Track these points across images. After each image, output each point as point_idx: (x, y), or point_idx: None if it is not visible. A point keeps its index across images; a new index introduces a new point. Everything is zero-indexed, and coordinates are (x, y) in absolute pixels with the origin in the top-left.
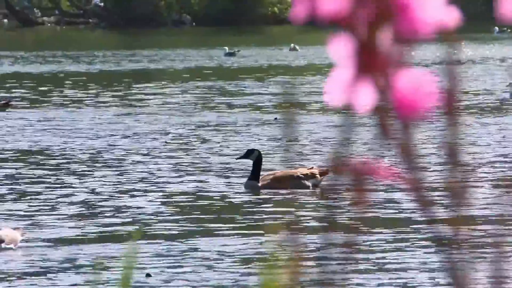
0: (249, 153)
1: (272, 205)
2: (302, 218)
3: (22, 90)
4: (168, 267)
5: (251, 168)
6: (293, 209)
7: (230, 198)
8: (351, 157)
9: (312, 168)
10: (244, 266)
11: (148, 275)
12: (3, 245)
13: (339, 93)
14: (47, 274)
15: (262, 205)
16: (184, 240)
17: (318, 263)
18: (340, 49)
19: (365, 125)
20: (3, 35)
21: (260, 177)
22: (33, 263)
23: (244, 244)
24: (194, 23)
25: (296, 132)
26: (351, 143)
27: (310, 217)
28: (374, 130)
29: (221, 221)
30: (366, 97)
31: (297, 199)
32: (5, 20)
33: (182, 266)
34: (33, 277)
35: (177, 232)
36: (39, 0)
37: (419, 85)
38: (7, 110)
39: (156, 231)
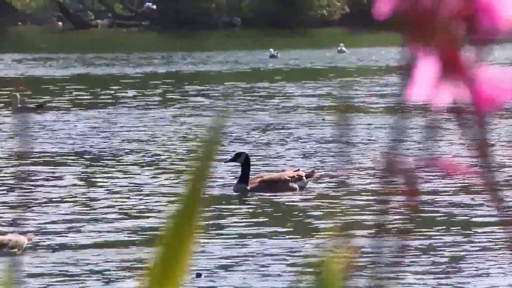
0: (237, 156)
1: (324, 204)
2: (354, 222)
3: (75, 92)
4: (219, 268)
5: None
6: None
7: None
8: (404, 157)
9: (298, 170)
10: (294, 269)
11: (198, 275)
12: (5, 249)
13: (421, 90)
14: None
15: (313, 207)
16: (236, 239)
17: (369, 267)
18: (420, 47)
19: (417, 127)
20: (57, 38)
21: (249, 179)
22: (41, 267)
23: (296, 245)
24: (244, 26)
25: (347, 133)
26: (403, 143)
27: (363, 221)
28: (454, 128)
29: (274, 223)
30: (446, 94)
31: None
32: (60, 23)
33: (232, 266)
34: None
35: (225, 233)
36: (92, 3)
37: (500, 81)
38: (40, 112)
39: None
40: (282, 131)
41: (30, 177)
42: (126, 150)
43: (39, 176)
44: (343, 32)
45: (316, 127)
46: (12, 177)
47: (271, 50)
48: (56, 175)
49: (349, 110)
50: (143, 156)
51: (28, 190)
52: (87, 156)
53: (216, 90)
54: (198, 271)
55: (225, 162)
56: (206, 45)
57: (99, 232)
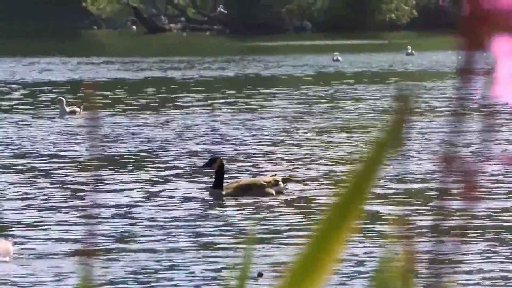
0: (211, 162)
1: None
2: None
3: (147, 95)
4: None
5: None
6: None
7: None
8: (465, 157)
9: (275, 175)
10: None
11: (260, 274)
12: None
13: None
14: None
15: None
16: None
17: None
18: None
19: (480, 129)
20: (131, 42)
21: (224, 185)
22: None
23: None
24: (314, 29)
25: (409, 135)
26: (466, 145)
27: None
28: None
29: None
30: None
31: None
32: (134, 27)
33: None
34: None
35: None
36: (166, 8)
37: None
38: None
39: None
40: (344, 134)
41: (102, 182)
42: (197, 152)
43: (109, 180)
44: (411, 35)
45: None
46: (81, 183)
47: (336, 54)
48: (127, 179)
49: (413, 113)
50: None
51: (98, 196)
52: (161, 159)
53: (287, 94)
54: (259, 271)
55: (199, 167)
56: (277, 48)
57: (170, 236)
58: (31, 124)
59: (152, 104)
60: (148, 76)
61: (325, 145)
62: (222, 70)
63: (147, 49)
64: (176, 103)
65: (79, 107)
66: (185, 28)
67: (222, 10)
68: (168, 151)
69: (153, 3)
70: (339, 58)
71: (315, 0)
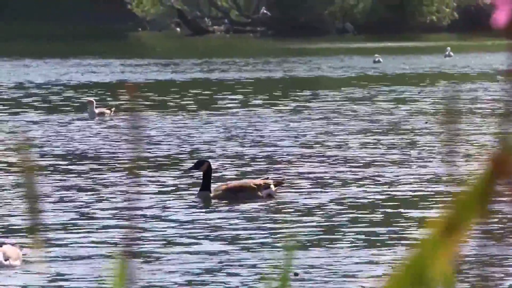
0: (199, 164)
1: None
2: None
3: (190, 96)
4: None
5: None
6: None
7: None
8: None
9: (267, 178)
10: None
11: (295, 274)
12: (8, 262)
13: None
14: None
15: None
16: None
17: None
18: None
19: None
20: (175, 43)
21: (213, 187)
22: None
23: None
24: (356, 31)
25: (457, 136)
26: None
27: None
28: None
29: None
30: None
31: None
32: (178, 29)
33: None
34: None
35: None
36: (209, 10)
37: None
38: (116, 116)
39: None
40: (380, 136)
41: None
42: (242, 153)
43: (150, 181)
44: (452, 37)
45: (419, 132)
46: (120, 184)
47: (376, 55)
48: (169, 181)
49: (457, 114)
50: (256, 159)
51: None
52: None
53: (328, 95)
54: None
55: (187, 170)
56: (318, 50)
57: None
58: (64, 125)
59: (195, 105)
60: (192, 78)
61: (365, 147)
62: (265, 72)
63: (190, 51)
64: (219, 105)
65: (109, 109)
66: (229, 30)
67: (265, 12)
68: (213, 152)
69: (197, 5)
70: (380, 59)
71: (357, 2)
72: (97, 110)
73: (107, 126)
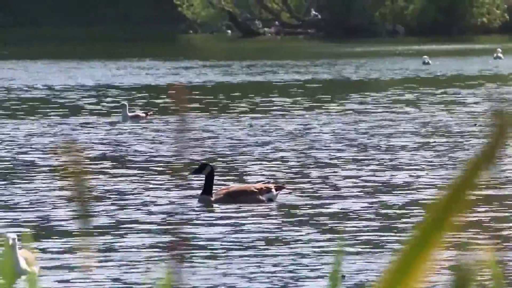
0: (201, 168)
1: None
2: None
3: (238, 98)
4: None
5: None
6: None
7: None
8: None
9: (268, 183)
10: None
11: (343, 276)
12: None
13: None
14: None
15: None
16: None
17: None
18: None
19: None
20: (226, 46)
21: (214, 191)
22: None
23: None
24: (407, 33)
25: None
26: None
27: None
28: None
29: None
30: None
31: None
32: (229, 31)
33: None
34: None
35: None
36: (260, 12)
37: None
38: (149, 119)
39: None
40: (429, 139)
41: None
42: (291, 156)
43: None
44: (503, 39)
45: (467, 134)
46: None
47: (425, 57)
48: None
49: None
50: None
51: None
52: (251, 162)
53: (378, 97)
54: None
55: (189, 173)
56: (369, 52)
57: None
58: (95, 127)
59: (247, 107)
60: (241, 80)
61: (414, 150)
62: (315, 74)
63: (241, 53)
64: (267, 107)
65: (145, 112)
66: (279, 32)
67: (315, 14)
68: (265, 154)
69: (247, 8)
70: (429, 61)
71: (408, 4)
72: (130, 114)
73: (139, 128)
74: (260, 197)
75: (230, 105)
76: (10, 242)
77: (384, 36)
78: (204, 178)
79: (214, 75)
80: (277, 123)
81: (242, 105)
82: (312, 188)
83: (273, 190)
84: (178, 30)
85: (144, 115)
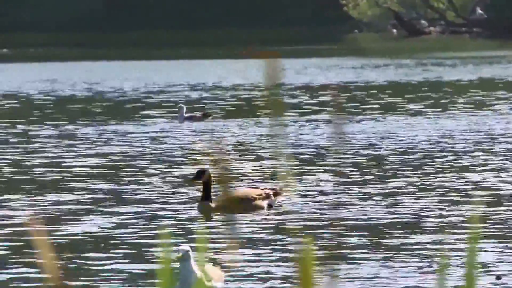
0: (200, 174)
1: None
2: None
3: (405, 98)
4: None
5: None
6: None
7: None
8: None
9: (266, 188)
10: None
11: (498, 277)
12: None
13: None
14: None
15: None
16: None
17: None
18: None
19: None
20: (391, 44)
21: (214, 197)
22: None
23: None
24: None
25: None
26: None
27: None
28: None
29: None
30: None
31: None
32: (394, 31)
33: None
34: None
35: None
36: (425, 11)
37: None
38: (207, 120)
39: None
40: None
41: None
42: (451, 152)
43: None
44: None
45: None
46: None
47: None
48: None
49: None
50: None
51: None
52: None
53: None
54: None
55: (189, 180)
56: None
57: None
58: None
59: (417, 107)
60: (408, 79)
61: None
62: (479, 72)
63: (407, 52)
64: (446, 105)
65: (204, 113)
66: (445, 31)
67: (480, 12)
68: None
69: (413, 7)
70: None
71: None
72: (186, 115)
73: (191, 129)
74: (260, 203)
75: (398, 104)
76: (181, 254)
77: None
78: (202, 184)
79: (379, 74)
80: (450, 120)
81: (416, 104)
82: None
83: (272, 196)
84: (343, 29)
85: (200, 115)
